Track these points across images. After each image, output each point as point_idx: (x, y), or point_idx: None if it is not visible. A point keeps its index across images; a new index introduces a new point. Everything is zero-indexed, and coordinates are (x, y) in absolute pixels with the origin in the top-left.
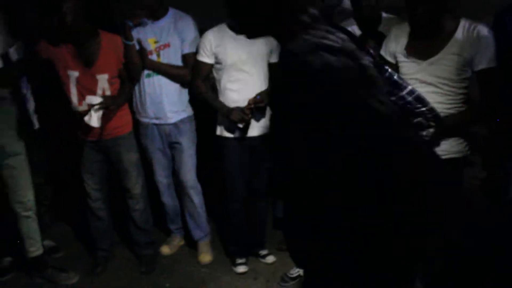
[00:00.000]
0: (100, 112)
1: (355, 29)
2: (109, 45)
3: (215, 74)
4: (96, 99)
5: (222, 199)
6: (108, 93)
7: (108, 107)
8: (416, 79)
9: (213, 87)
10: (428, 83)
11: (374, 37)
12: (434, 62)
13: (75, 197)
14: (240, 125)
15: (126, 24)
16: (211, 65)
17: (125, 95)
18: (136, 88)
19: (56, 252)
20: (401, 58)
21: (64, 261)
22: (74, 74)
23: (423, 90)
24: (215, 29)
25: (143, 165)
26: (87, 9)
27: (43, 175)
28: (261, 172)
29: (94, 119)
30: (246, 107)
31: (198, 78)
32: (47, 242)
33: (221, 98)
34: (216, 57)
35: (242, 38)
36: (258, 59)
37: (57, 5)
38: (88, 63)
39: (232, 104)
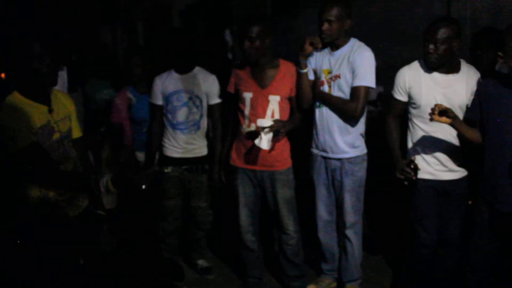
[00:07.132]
0: (270, 135)
1: None
2: (287, 70)
3: (410, 111)
4: (267, 122)
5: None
6: (277, 116)
7: (279, 130)
8: None
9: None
10: None
11: None
12: None
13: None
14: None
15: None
16: (405, 103)
17: (293, 122)
18: (314, 118)
19: (209, 273)
20: None
21: (215, 283)
22: (248, 95)
23: None
24: (411, 66)
25: (307, 196)
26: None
27: (208, 199)
28: (455, 218)
29: (264, 142)
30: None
31: (390, 115)
32: (202, 262)
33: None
34: (409, 96)
35: (439, 77)
36: (455, 102)
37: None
38: (262, 85)
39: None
